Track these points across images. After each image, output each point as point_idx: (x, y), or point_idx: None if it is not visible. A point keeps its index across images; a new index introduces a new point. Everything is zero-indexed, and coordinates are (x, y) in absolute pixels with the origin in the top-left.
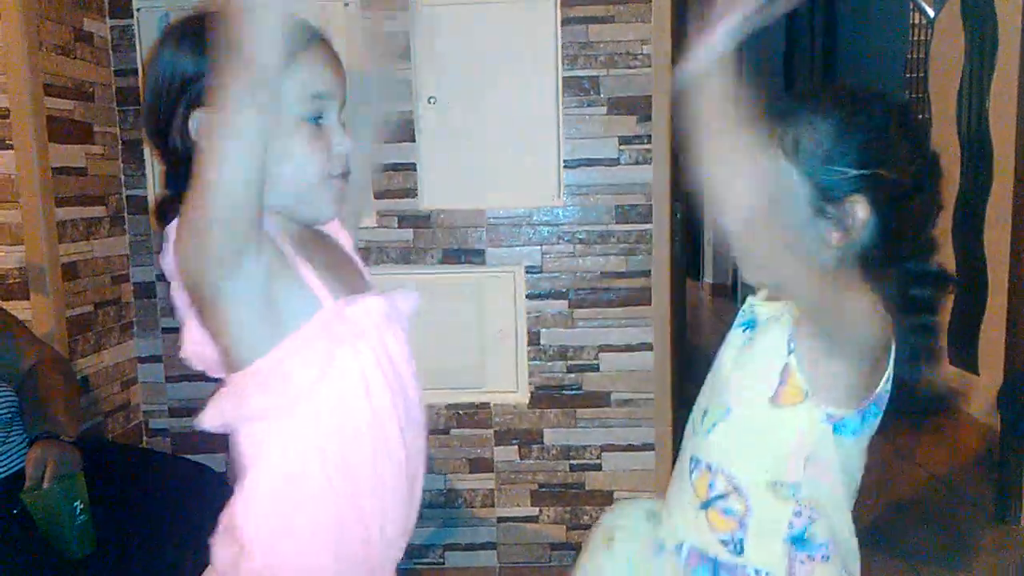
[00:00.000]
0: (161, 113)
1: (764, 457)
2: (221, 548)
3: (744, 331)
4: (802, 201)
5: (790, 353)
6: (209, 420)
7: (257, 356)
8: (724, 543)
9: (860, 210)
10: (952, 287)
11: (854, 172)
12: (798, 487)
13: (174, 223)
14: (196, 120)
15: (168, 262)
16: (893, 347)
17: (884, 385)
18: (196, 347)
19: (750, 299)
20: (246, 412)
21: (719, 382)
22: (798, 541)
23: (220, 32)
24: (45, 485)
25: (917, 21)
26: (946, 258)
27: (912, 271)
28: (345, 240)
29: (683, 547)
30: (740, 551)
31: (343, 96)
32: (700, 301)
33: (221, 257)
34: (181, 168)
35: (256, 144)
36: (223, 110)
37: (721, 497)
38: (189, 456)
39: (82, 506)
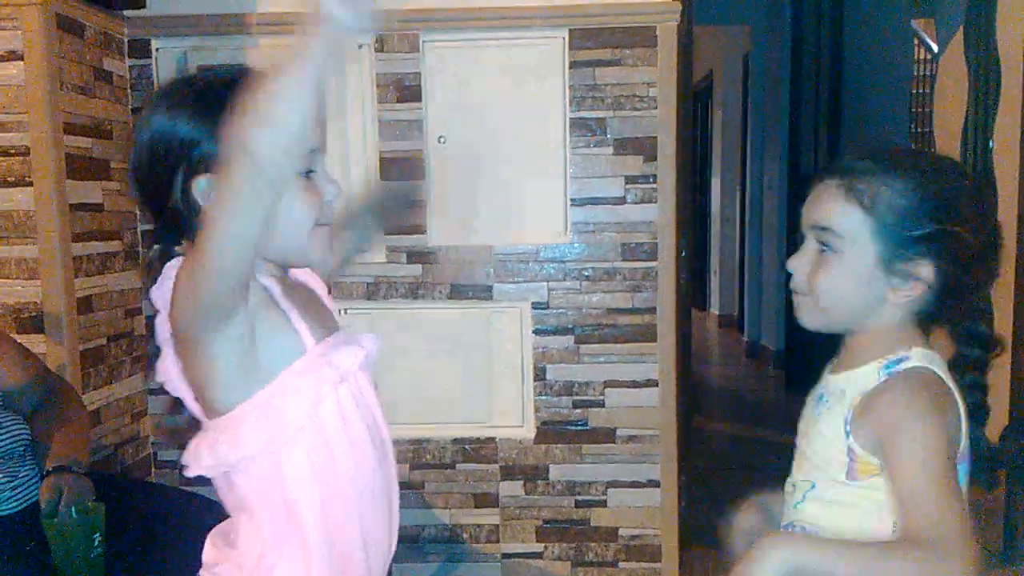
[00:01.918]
0: (158, 175)
1: (854, 526)
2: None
3: (816, 406)
4: (871, 256)
5: (847, 436)
6: (202, 466)
7: (240, 399)
8: None
9: (926, 271)
10: (1001, 350)
11: (926, 234)
12: None
13: (175, 261)
14: (201, 186)
15: (161, 295)
16: (962, 408)
17: (964, 442)
18: (171, 379)
19: (826, 374)
20: (242, 453)
21: (801, 456)
22: None
23: (248, 103)
24: (61, 510)
25: (922, 56)
26: None
27: (963, 331)
28: (317, 285)
29: None
30: None
31: (325, 146)
32: (707, 332)
33: (211, 311)
34: (176, 226)
35: (263, 219)
36: (237, 182)
37: None
38: (195, 489)
39: (100, 538)
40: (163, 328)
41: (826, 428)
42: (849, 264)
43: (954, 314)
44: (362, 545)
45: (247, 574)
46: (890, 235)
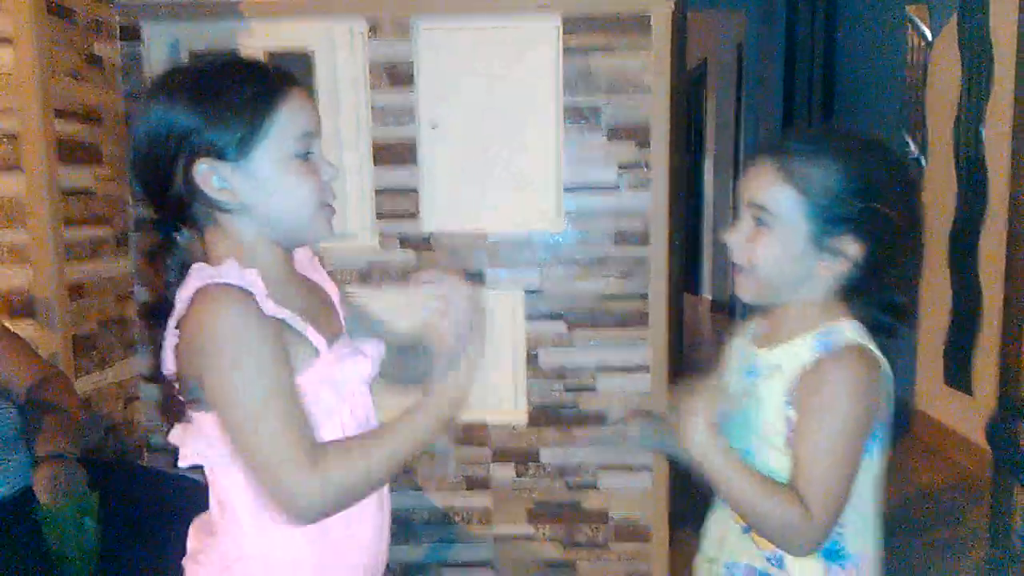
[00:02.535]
0: (159, 164)
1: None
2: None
3: (746, 378)
4: (803, 234)
5: (788, 406)
6: (188, 456)
7: None
8: (768, 559)
9: (853, 248)
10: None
11: (855, 214)
12: None
13: (201, 267)
14: (201, 170)
15: (183, 297)
16: (889, 375)
17: (888, 406)
18: (170, 368)
19: (749, 346)
20: (227, 450)
21: (734, 427)
22: (832, 554)
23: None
24: (63, 502)
25: (915, 43)
26: (942, 279)
27: (879, 299)
28: (331, 288)
29: (738, 567)
30: (782, 566)
31: (320, 132)
32: (698, 316)
33: None
34: (177, 213)
35: None
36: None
37: None
38: (187, 473)
39: (92, 526)
40: (172, 327)
41: (765, 401)
42: (782, 240)
43: (876, 286)
44: (355, 556)
45: (228, 566)
46: (821, 215)
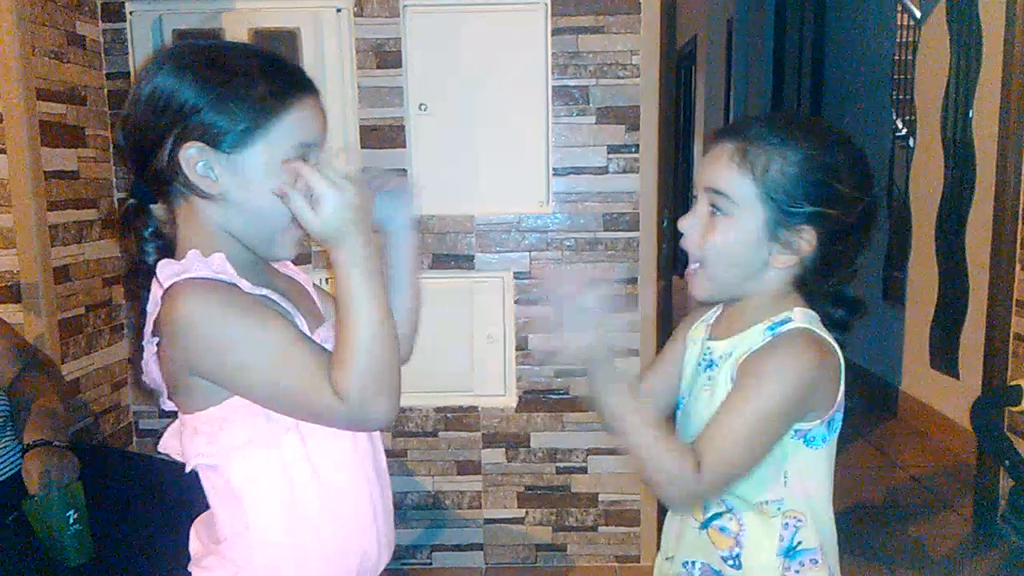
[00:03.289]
0: (150, 131)
1: (747, 480)
2: (207, 572)
3: (705, 371)
4: (759, 221)
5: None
6: (186, 458)
7: (220, 399)
8: (725, 559)
9: (808, 239)
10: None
11: (811, 208)
12: (782, 502)
13: (167, 267)
14: (190, 153)
15: (152, 297)
16: (841, 358)
17: (842, 393)
18: (152, 376)
19: (705, 341)
20: (231, 443)
21: (694, 420)
22: (790, 551)
23: None
24: (54, 494)
25: (905, 22)
26: (929, 262)
27: (831, 292)
28: (302, 277)
29: (695, 564)
30: (739, 566)
31: (324, 143)
32: (687, 300)
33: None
34: (155, 186)
35: None
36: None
37: (716, 516)
38: (177, 458)
39: (76, 515)
40: (149, 335)
41: (718, 389)
42: (738, 227)
43: (830, 279)
44: (362, 540)
45: (235, 573)
46: (778, 204)
